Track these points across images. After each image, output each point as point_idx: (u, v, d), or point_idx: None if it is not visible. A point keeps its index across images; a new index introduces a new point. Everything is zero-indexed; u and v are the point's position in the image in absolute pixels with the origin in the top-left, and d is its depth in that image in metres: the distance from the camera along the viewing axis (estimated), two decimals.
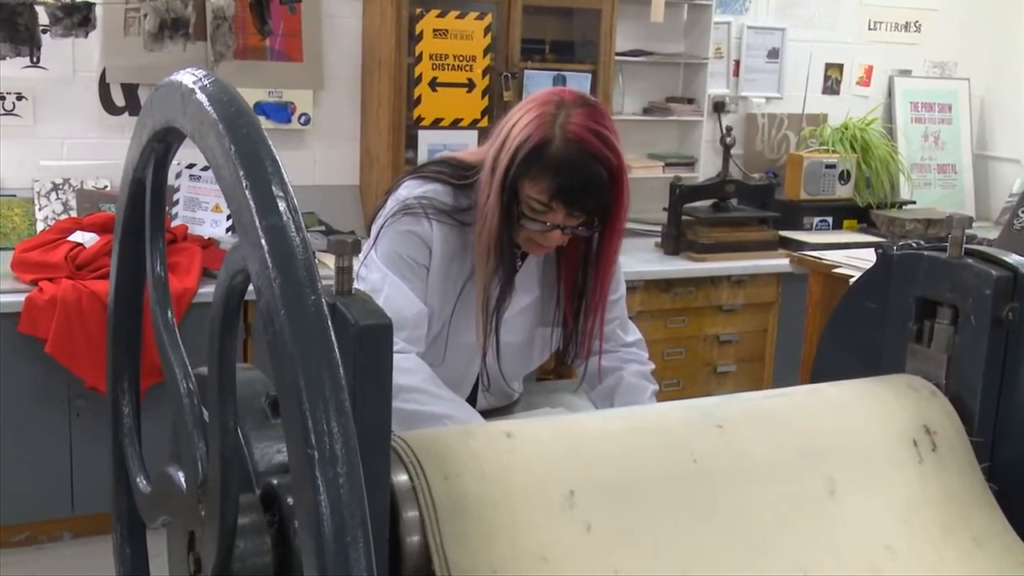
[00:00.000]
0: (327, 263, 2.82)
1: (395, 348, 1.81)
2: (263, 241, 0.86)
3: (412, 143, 3.97)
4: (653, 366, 2.14)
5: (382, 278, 1.88)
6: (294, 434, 0.83)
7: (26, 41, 3.40)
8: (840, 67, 5.16)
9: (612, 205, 1.81)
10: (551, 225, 1.81)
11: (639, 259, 4.13)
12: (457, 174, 1.92)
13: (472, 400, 2.03)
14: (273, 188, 0.89)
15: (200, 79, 1.00)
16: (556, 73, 4.18)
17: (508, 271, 1.89)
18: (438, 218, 1.89)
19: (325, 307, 0.86)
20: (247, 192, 0.88)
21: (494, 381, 2.00)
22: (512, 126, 1.82)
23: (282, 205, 0.88)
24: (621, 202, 1.81)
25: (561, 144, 1.76)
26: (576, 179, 1.77)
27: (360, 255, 1.92)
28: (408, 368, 1.83)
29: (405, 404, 1.79)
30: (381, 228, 1.91)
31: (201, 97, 0.97)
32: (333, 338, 0.86)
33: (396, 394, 1.78)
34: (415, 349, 1.89)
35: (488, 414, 2.03)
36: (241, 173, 0.89)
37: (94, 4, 3.51)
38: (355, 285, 1.77)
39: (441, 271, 1.92)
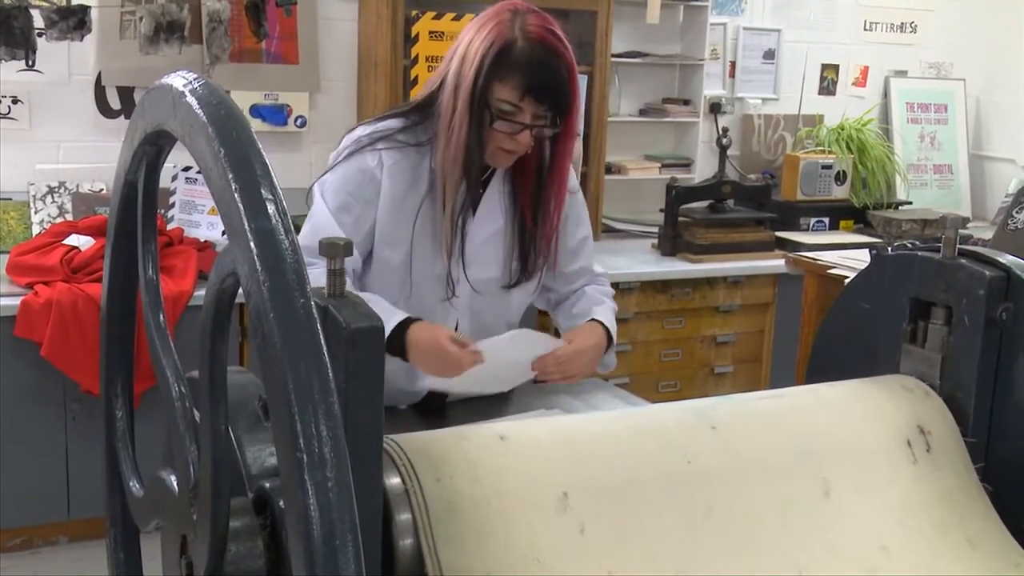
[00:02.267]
0: None
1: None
2: (252, 244, 0.87)
3: None
4: (612, 292, 2.27)
5: (321, 208, 1.98)
6: (283, 438, 0.83)
7: (21, 44, 3.39)
8: (836, 68, 5.17)
9: (571, 102, 1.92)
10: (521, 125, 1.89)
11: (636, 260, 4.13)
12: (411, 108, 2.03)
13: None
14: (262, 191, 0.89)
15: (190, 82, 1.00)
16: None
17: (474, 178, 1.96)
18: (388, 145, 1.98)
19: (314, 310, 0.86)
20: (236, 195, 0.88)
21: (459, 286, 2.03)
22: (468, 43, 1.91)
23: (271, 208, 0.88)
24: (576, 100, 1.93)
25: (525, 44, 1.87)
26: (544, 75, 1.88)
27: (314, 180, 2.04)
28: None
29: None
30: (335, 163, 2.01)
31: (191, 100, 0.97)
32: (322, 341, 0.86)
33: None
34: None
35: (483, 406, 2.04)
36: (230, 176, 0.89)
37: (89, 7, 3.50)
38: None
39: (396, 198, 1.98)
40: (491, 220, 2.04)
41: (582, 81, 4.15)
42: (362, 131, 2.02)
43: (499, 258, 2.07)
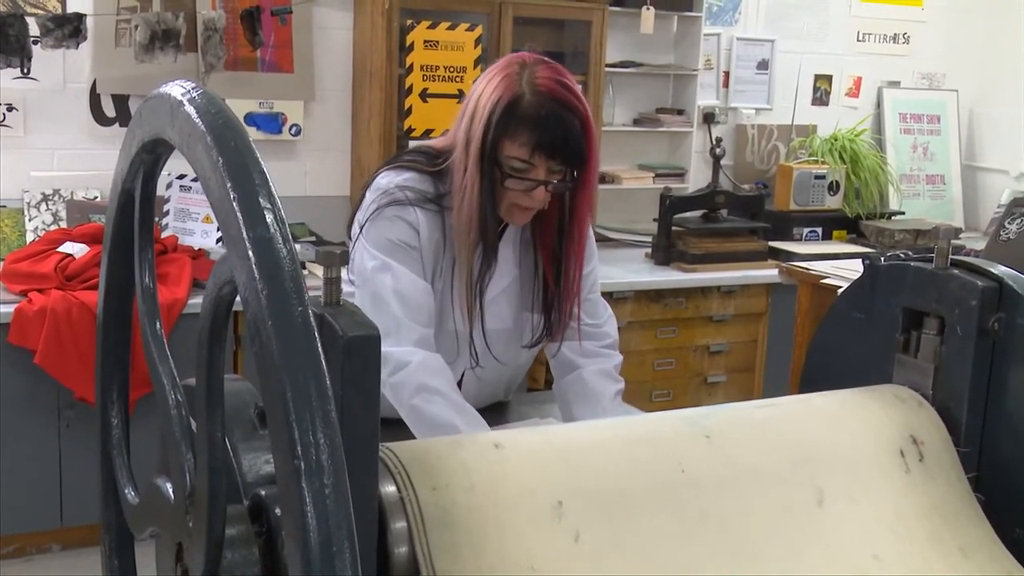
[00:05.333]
0: (317, 274, 2.82)
1: (415, 336, 1.84)
2: (250, 253, 0.87)
3: None
4: (620, 358, 2.11)
5: (383, 265, 1.87)
6: (281, 445, 0.83)
7: (16, 52, 3.40)
8: (829, 78, 5.19)
9: (586, 155, 1.83)
10: (534, 182, 1.82)
11: (629, 269, 4.13)
12: (430, 161, 1.94)
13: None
14: (260, 200, 0.89)
15: (189, 91, 1.00)
16: None
17: (491, 241, 1.89)
18: (420, 205, 1.90)
19: (312, 318, 0.87)
20: (235, 204, 0.88)
21: (483, 358, 1.98)
22: (478, 97, 1.84)
23: (269, 217, 0.88)
24: (593, 152, 1.85)
25: (532, 98, 1.80)
26: (554, 128, 1.79)
27: (350, 251, 1.94)
28: (435, 368, 1.83)
29: (427, 404, 1.79)
30: (368, 218, 1.91)
31: (189, 109, 0.98)
32: (320, 349, 0.86)
33: (418, 391, 1.79)
34: (431, 331, 1.88)
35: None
36: (229, 185, 0.90)
37: (85, 15, 3.51)
38: (351, 277, 1.74)
39: (427, 258, 1.92)
40: (506, 273, 1.97)
41: None
42: (387, 183, 1.92)
43: (513, 311, 2.00)
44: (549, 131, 1.79)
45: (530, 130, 1.79)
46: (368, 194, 1.95)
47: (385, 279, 1.86)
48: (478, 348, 1.96)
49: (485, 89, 1.84)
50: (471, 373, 2.03)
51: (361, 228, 1.92)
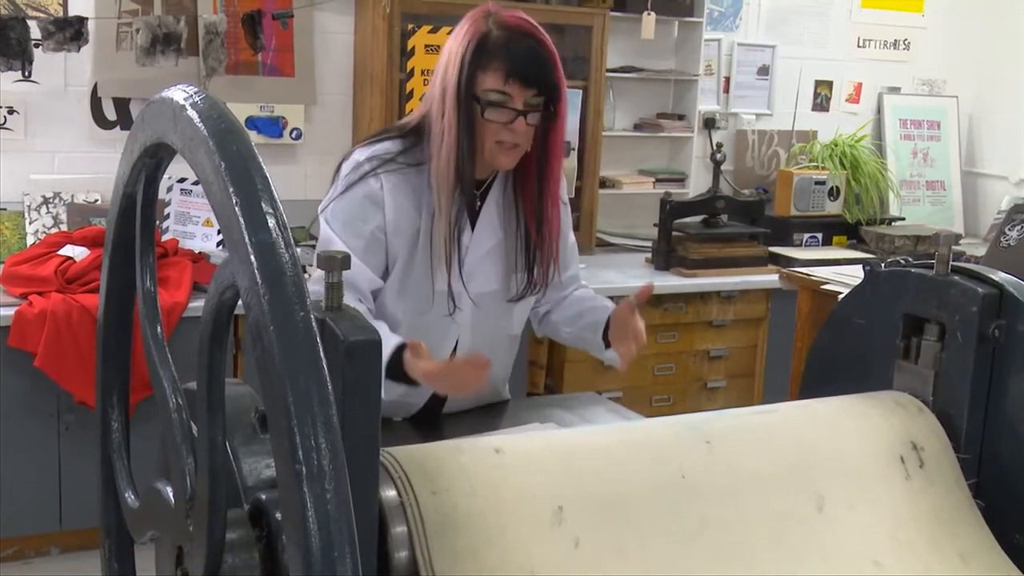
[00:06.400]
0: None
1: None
2: (252, 257, 0.87)
3: None
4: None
5: (330, 236, 1.98)
6: (282, 450, 0.84)
7: (18, 55, 3.40)
8: (830, 84, 5.19)
9: (559, 85, 1.92)
10: (514, 111, 1.89)
11: (629, 274, 4.13)
12: (404, 127, 2.03)
13: None
14: (263, 205, 0.89)
15: (191, 95, 1.00)
16: None
17: (468, 184, 1.94)
18: (387, 168, 1.97)
19: (314, 323, 0.87)
20: (237, 208, 0.89)
21: (459, 299, 2.01)
22: (448, 51, 1.94)
23: (271, 222, 0.89)
24: (563, 86, 1.94)
25: (501, 32, 1.90)
26: (525, 55, 1.89)
27: (320, 209, 2.05)
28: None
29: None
30: (336, 195, 2.01)
31: (192, 113, 0.98)
32: (322, 354, 0.86)
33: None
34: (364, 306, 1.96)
35: (478, 420, 2.05)
36: (231, 190, 0.90)
37: (86, 19, 3.51)
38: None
39: (400, 220, 1.98)
40: (491, 234, 2.04)
41: (577, 96, 4.19)
42: (360, 155, 2.01)
43: (499, 272, 2.05)
44: (521, 58, 1.88)
45: (502, 59, 1.88)
46: (343, 167, 2.04)
47: (336, 246, 1.94)
48: (455, 291, 2.00)
49: (453, 43, 1.93)
50: (466, 327, 2.05)
51: (329, 203, 2.02)
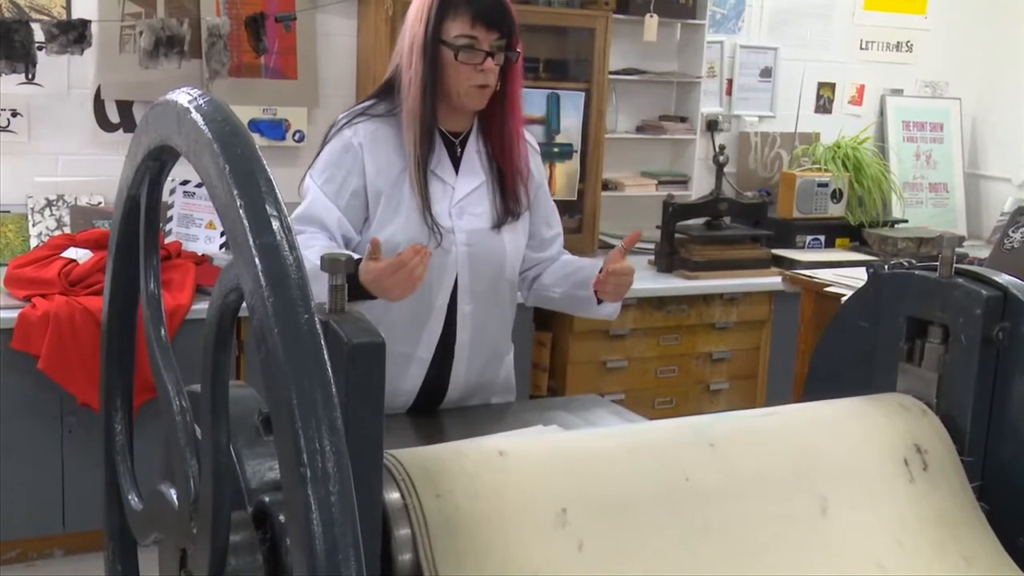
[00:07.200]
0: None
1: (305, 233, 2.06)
2: (257, 260, 0.87)
3: None
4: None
5: (310, 185, 2.15)
6: (286, 452, 0.84)
7: (21, 58, 3.40)
8: (832, 86, 5.19)
9: (514, 26, 2.11)
10: (483, 52, 2.06)
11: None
12: (380, 90, 2.20)
13: (451, 336, 2.17)
14: (267, 207, 0.90)
15: (195, 98, 1.01)
16: (550, 91, 4.19)
17: (427, 121, 2.10)
18: (360, 119, 2.15)
19: (318, 326, 0.87)
20: (241, 211, 0.89)
21: (458, 236, 2.15)
22: (414, 7, 2.11)
23: (276, 224, 0.89)
24: (516, 25, 2.12)
25: None
26: (487, 2, 2.08)
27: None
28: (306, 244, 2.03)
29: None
30: (320, 152, 2.18)
31: (196, 116, 0.98)
32: (326, 356, 0.86)
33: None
34: (332, 244, 2.10)
35: (480, 422, 2.04)
36: (235, 192, 0.90)
37: (90, 21, 3.52)
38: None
39: (380, 164, 2.13)
40: (473, 176, 2.19)
41: (579, 98, 4.20)
42: (339, 116, 2.19)
43: (486, 209, 2.20)
44: (484, 4, 2.07)
45: (467, 5, 2.07)
46: (330, 132, 2.20)
47: (305, 199, 2.15)
48: (445, 226, 2.13)
49: (414, 5, 2.11)
50: (464, 317, 2.18)
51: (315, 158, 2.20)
